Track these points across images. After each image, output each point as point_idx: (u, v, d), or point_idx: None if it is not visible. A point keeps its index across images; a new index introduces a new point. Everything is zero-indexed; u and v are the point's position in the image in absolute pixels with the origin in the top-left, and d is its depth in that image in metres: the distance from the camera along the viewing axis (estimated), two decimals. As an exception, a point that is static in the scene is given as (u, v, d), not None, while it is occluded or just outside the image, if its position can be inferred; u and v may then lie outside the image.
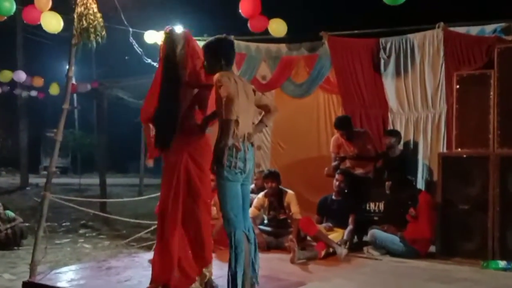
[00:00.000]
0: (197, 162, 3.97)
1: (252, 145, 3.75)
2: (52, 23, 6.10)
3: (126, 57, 6.91)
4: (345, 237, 5.79)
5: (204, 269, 3.97)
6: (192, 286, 3.87)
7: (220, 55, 3.77)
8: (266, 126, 4.08)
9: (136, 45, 7.22)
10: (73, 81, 13.60)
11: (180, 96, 3.95)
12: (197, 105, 4.06)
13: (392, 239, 5.58)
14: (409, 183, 6.08)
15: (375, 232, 5.67)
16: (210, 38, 3.96)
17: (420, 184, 6.45)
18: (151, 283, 3.90)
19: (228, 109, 3.44)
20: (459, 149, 5.67)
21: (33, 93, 15.09)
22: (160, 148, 4.00)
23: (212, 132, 4.18)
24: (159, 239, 3.94)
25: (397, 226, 5.68)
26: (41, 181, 17.79)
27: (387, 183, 6.02)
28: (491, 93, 5.52)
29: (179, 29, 4.27)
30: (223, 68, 3.73)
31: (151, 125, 4.17)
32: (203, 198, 3.97)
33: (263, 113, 3.99)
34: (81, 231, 9.67)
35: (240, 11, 6.67)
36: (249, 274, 3.67)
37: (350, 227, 5.91)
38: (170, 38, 4.04)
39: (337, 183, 6.12)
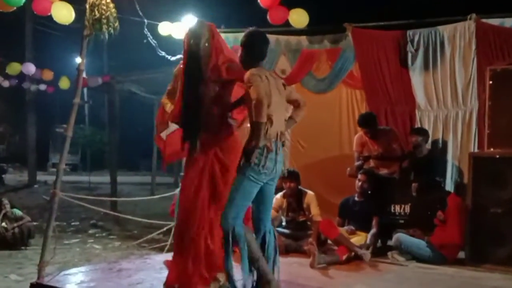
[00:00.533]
0: (223, 163, 4.01)
1: (283, 144, 3.78)
2: (63, 13, 6.15)
3: (144, 41, 6.91)
4: (368, 241, 5.77)
5: (218, 274, 3.98)
6: None
7: (251, 50, 3.82)
8: (296, 122, 4.06)
9: (151, 37, 7.26)
10: (84, 75, 13.78)
11: (204, 92, 3.97)
12: (221, 101, 4.07)
13: (418, 243, 5.54)
14: (437, 185, 6.03)
15: (400, 236, 5.63)
16: (244, 32, 3.98)
17: (449, 186, 6.40)
18: (166, 284, 3.93)
19: (258, 112, 3.49)
20: (492, 149, 5.60)
21: (42, 86, 15.28)
22: (188, 146, 4.05)
23: (235, 124, 4.23)
24: (180, 240, 3.97)
25: (424, 230, 5.63)
26: (50, 178, 18.03)
27: (413, 184, 5.98)
28: (527, 89, 5.44)
29: (202, 21, 4.25)
30: (254, 64, 3.75)
31: (163, 132, 4.22)
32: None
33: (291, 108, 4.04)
34: (91, 231, 9.79)
35: (259, 1, 6.67)
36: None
37: (373, 230, 5.88)
38: (194, 30, 4.06)
39: (360, 183, 6.09)
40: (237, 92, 4.13)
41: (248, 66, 3.76)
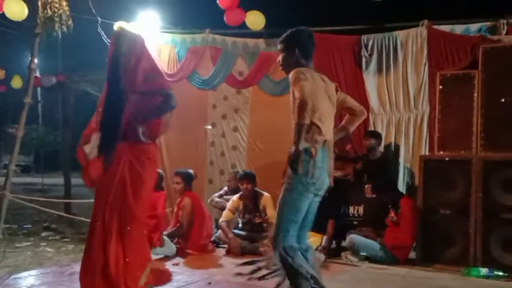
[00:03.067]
0: (136, 172, 3.78)
1: (331, 155, 3.51)
2: (16, 10, 5.99)
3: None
4: (323, 243, 5.82)
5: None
6: None
7: (304, 49, 3.53)
8: (349, 132, 3.77)
9: (105, 36, 7.15)
10: (37, 74, 13.45)
11: (124, 101, 3.78)
12: (137, 113, 3.84)
13: (371, 244, 5.63)
14: (392, 186, 6.14)
15: (353, 237, 5.71)
16: (287, 32, 3.68)
17: (401, 188, 6.52)
18: None
19: (300, 113, 3.18)
20: (441, 152, 5.74)
21: (-6, 86, 14.83)
22: (102, 157, 3.82)
23: (146, 140, 3.90)
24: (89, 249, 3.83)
25: (377, 231, 5.73)
26: (1, 180, 17.50)
27: (366, 186, 6.08)
28: (475, 94, 5.60)
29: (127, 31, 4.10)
30: (299, 63, 3.50)
31: (86, 148, 3.99)
32: (136, 215, 3.78)
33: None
34: (43, 234, 9.50)
35: (217, 2, 6.66)
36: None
37: (328, 232, 5.93)
38: (119, 38, 3.87)
39: None
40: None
41: (295, 66, 3.47)
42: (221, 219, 6.28)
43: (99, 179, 3.87)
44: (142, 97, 3.82)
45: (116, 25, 7.69)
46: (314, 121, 3.33)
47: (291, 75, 3.38)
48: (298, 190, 3.35)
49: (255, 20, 7.03)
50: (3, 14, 6.10)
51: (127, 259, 3.69)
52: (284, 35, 3.65)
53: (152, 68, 3.95)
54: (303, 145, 3.21)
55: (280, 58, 3.63)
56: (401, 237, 5.57)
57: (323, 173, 3.43)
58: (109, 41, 3.96)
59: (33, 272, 4.87)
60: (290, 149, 3.25)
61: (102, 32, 7.27)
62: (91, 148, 3.86)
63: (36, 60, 5.06)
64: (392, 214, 5.72)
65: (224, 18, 7.13)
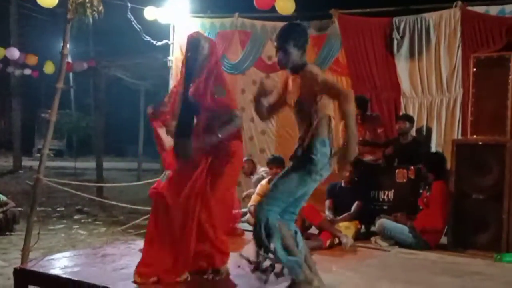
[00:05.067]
0: (216, 167, 3.86)
1: None
2: (47, -3, 6.10)
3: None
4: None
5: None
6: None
7: (295, 44, 3.46)
8: None
9: (135, 22, 7.21)
10: (69, 59, 13.66)
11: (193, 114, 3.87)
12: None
13: (401, 229, 5.59)
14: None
15: (383, 222, 5.68)
16: (282, 26, 3.64)
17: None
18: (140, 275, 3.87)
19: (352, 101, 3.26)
20: (475, 136, 5.64)
21: (27, 71, 15.09)
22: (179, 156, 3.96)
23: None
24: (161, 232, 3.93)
25: (408, 216, 5.69)
26: (35, 164, 17.86)
27: (398, 170, 6.03)
28: (510, 77, 5.47)
29: (203, 36, 4.07)
30: (301, 59, 3.49)
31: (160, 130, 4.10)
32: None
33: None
34: (76, 217, 9.75)
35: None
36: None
37: (354, 212, 5.95)
38: (194, 43, 3.86)
39: (347, 172, 6.08)
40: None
41: (299, 62, 3.49)
42: (250, 203, 6.32)
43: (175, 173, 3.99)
44: (209, 115, 3.87)
45: (146, 11, 7.75)
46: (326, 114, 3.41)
47: (316, 70, 3.40)
48: (304, 176, 3.39)
49: (285, 5, 6.99)
50: (35, 0, 6.22)
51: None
52: (280, 33, 3.56)
53: (222, 79, 3.97)
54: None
55: (280, 55, 3.52)
56: (431, 220, 5.52)
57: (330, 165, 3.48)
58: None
59: (66, 253, 4.98)
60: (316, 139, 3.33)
61: (132, 17, 7.32)
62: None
63: (68, 46, 5.12)
64: (424, 193, 5.70)
65: (254, 2, 7.11)
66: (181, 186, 3.87)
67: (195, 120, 3.93)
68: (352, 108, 3.28)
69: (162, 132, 4.33)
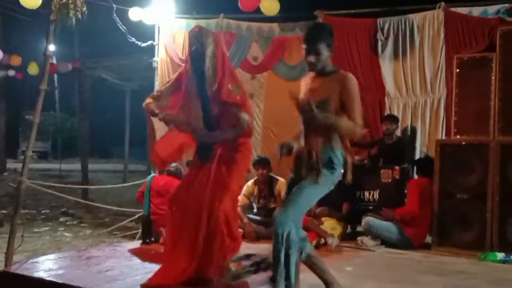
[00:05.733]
0: (227, 160, 3.90)
1: None
2: (30, -2, 6.05)
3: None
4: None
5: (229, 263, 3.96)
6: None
7: (330, 46, 3.46)
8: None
9: (120, 23, 7.18)
10: (53, 60, 13.55)
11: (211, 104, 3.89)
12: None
13: (387, 226, 5.62)
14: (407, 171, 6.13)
15: (369, 220, 5.70)
16: (309, 27, 3.60)
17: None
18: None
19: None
20: (458, 136, 5.70)
21: (11, 72, 14.96)
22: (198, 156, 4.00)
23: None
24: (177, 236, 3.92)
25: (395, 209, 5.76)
26: (20, 166, 17.62)
27: (383, 170, 6.06)
28: (493, 77, 5.53)
29: (206, 29, 4.04)
30: (328, 59, 3.46)
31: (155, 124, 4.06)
32: (230, 187, 3.88)
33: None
34: (61, 219, 9.69)
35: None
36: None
37: (343, 213, 5.97)
38: (197, 37, 3.86)
39: None
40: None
41: (330, 65, 3.48)
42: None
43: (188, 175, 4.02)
44: (223, 110, 3.88)
45: (131, 11, 7.71)
46: None
47: (353, 81, 3.37)
48: (324, 187, 3.39)
49: (270, 6, 6.99)
50: (18, 1, 6.16)
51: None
52: (310, 33, 3.48)
53: (237, 80, 3.99)
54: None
55: (310, 57, 3.43)
56: (408, 208, 5.60)
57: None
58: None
59: (51, 256, 4.95)
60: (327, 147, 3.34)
61: (117, 18, 7.29)
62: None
63: (52, 47, 5.09)
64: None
65: (239, 4, 7.11)
66: (193, 180, 3.90)
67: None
68: (352, 131, 3.37)
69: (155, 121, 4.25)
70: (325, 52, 3.41)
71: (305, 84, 3.64)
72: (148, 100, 4.00)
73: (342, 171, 3.43)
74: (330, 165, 3.36)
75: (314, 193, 3.41)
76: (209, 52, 3.80)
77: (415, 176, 6.25)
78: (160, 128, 4.14)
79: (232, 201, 3.90)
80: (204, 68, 3.80)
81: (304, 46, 3.45)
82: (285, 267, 3.27)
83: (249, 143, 4.09)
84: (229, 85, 3.83)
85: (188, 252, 3.77)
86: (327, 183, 3.40)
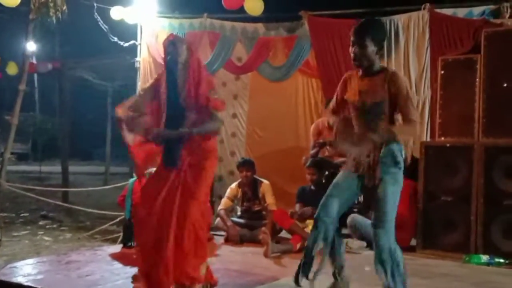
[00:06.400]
0: (194, 167, 3.86)
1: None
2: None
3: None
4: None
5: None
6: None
7: (382, 42, 3.49)
8: None
9: (101, 22, 7.14)
10: (33, 60, 13.44)
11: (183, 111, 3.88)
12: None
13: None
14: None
15: (354, 217, 5.69)
16: (360, 21, 3.53)
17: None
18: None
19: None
20: (443, 138, 5.75)
21: (-11, 72, 14.82)
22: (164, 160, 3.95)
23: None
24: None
25: None
26: (-2, 168, 17.51)
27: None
28: (477, 79, 5.59)
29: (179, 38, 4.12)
30: (377, 56, 3.46)
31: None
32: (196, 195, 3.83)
33: None
34: (41, 223, 9.59)
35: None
36: None
37: None
38: (171, 46, 3.88)
39: (309, 177, 6.09)
40: None
41: (376, 61, 3.45)
42: (219, 207, 6.31)
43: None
44: (200, 117, 3.87)
45: (113, 10, 7.68)
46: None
47: (402, 78, 3.42)
48: (400, 186, 3.42)
49: (254, 5, 7.02)
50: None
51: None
52: (364, 26, 3.46)
53: (212, 84, 4.01)
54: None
55: (357, 50, 3.41)
56: (401, 217, 5.59)
57: None
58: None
59: (30, 261, 4.91)
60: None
61: (99, 17, 7.25)
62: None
63: (32, 46, 5.06)
64: None
65: (223, 3, 7.11)
66: (158, 189, 3.84)
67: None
68: (411, 133, 3.41)
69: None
70: (371, 47, 3.38)
71: (350, 81, 3.60)
72: (120, 110, 4.00)
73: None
74: (394, 161, 3.36)
75: (398, 193, 3.42)
76: (182, 60, 3.84)
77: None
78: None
79: (200, 209, 3.88)
80: (177, 76, 3.84)
81: (351, 38, 3.47)
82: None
83: (217, 150, 4.10)
84: (207, 91, 3.86)
85: (159, 259, 3.77)
86: (399, 181, 3.41)
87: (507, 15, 6.15)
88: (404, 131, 3.40)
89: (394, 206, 3.42)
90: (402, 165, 3.41)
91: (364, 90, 3.47)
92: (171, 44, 3.89)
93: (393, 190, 3.39)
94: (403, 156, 3.44)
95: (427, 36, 6.52)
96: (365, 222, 5.67)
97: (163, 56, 3.99)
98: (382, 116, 3.40)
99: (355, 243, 5.67)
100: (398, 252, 3.44)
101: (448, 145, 5.65)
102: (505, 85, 5.49)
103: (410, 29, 6.66)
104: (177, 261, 3.72)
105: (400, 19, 6.76)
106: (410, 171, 5.85)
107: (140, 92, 4.16)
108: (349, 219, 5.74)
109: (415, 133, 3.42)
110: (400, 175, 3.42)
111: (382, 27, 3.53)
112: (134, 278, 3.98)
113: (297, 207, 6.10)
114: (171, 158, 3.87)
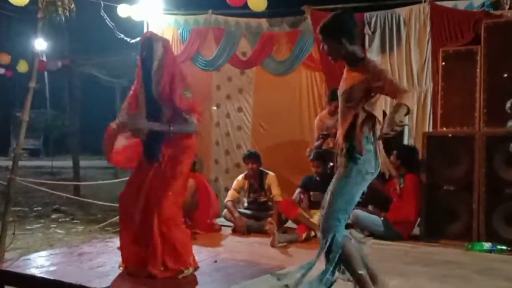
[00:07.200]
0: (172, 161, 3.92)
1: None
2: (18, -5, 5.99)
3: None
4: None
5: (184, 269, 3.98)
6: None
7: (341, 36, 3.29)
8: None
9: (108, 20, 7.15)
10: (43, 58, 13.46)
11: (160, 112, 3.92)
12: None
13: (374, 220, 5.65)
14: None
15: (357, 212, 5.72)
16: (327, 18, 3.40)
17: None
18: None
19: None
20: (444, 128, 5.73)
21: (1, 70, 14.88)
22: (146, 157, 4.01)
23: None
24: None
25: (381, 208, 5.76)
26: (11, 164, 17.56)
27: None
28: (478, 70, 5.56)
29: (155, 35, 4.10)
30: (348, 50, 3.31)
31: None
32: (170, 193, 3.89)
33: None
34: (53, 216, 9.65)
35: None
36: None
37: None
38: (147, 42, 3.91)
39: (314, 169, 6.07)
40: None
41: (347, 55, 3.35)
42: (226, 199, 6.33)
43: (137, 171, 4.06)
44: (175, 114, 3.90)
45: (119, 8, 7.69)
46: (373, 113, 3.29)
47: (366, 64, 3.27)
48: (356, 179, 3.26)
49: (257, 1, 6.99)
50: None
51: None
52: (324, 23, 3.36)
53: (187, 83, 3.98)
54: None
55: (325, 47, 3.39)
56: (404, 212, 5.59)
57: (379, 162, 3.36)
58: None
59: (43, 253, 4.93)
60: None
61: (105, 15, 7.25)
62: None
63: (42, 45, 5.07)
64: (396, 185, 5.77)
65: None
66: (139, 183, 3.93)
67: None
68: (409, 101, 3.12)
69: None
70: (334, 43, 3.32)
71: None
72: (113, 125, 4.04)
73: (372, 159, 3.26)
74: (353, 152, 3.24)
75: (346, 188, 3.28)
76: (158, 56, 3.85)
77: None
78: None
79: (175, 201, 3.91)
80: (152, 73, 3.85)
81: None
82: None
83: (195, 146, 4.13)
84: (181, 89, 3.87)
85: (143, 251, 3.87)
86: (355, 174, 3.25)
87: (507, 7, 6.11)
88: (405, 100, 3.09)
89: (336, 200, 3.30)
90: (363, 158, 3.23)
91: (341, 84, 3.45)
92: (147, 40, 3.93)
93: (338, 184, 3.31)
94: (370, 146, 3.26)
95: (428, 28, 6.49)
96: (367, 216, 5.69)
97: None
98: (349, 104, 3.29)
99: (357, 233, 5.65)
100: (335, 241, 3.27)
101: (449, 135, 5.63)
102: (505, 75, 5.46)
103: (412, 22, 6.63)
104: (167, 249, 3.84)
105: (401, 12, 6.73)
106: (410, 163, 5.84)
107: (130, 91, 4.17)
108: (352, 215, 5.73)
109: (409, 100, 3.14)
110: (354, 168, 3.26)
111: (341, 20, 3.34)
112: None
113: (297, 191, 6.03)
114: (151, 151, 3.94)
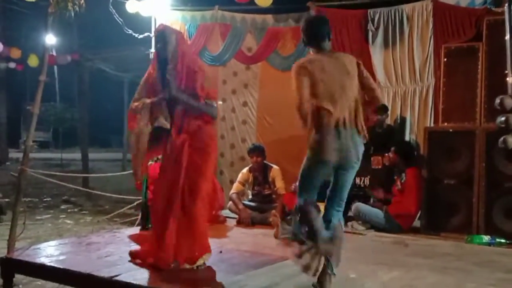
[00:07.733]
0: (196, 147, 3.92)
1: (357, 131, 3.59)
2: (29, -9, 6.03)
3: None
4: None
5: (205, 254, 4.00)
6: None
7: (304, 35, 3.77)
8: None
9: (116, 15, 7.16)
10: (53, 53, 13.50)
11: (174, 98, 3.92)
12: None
13: (376, 212, 5.68)
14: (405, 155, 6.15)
15: (359, 205, 5.75)
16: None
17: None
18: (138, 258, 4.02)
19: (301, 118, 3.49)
20: (446, 124, 5.73)
21: (12, 64, 14.90)
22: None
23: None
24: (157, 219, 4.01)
25: (385, 192, 5.79)
26: (22, 156, 17.60)
27: (373, 157, 6.09)
28: (479, 66, 5.56)
29: (169, 28, 4.11)
30: (311, 49, 3.78)
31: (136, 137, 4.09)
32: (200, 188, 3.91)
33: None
34: (63, 207, 9.71)
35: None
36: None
37: None
38: (161, 35, 3.94)
39: None
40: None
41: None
42: (231, 191, 6.36)
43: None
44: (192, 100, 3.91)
45: (128, 4, 7.69)
46: (322, 105, 3.40)
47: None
48: (310, 162, 3.56)
49: (264, -4, 6.98)
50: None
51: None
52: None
53: (204, 72, 4.01)
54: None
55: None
56: (405, 205, 5.61)
57: (343, 150, 3.48)
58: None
59: (52, 243, 4.97)
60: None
61: (114, 11, 7.26)
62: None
63: (52, 39, 5.09)
64: (398, 182, 5.78)
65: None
66: (167, 171, 3.94)
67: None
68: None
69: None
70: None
71: None
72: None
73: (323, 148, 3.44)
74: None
75: (304, 167, 3.60)
76: (172, 48, 3.87)
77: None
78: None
79: (208, 186, 3.97)
80: (168, 64, 3.87)
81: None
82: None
83: (217, 138, 4.20)
84: (202, 79, 3.89)
85: (166, 239, 3.83)
86: (310, 158, 3.57)
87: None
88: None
89: (300, 175, 3.65)
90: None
91: None
92: (161, 33, 3.95)
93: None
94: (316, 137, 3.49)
95: (430, 25, 6.47)
96: (369, 209, 5.71)
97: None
98: None
99: (359, 226, 5.70)
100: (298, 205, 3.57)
101: (451, 130, 5.64)
102: (506, 71, 5.44)
103: (415, 19, 6.61)
104: (192, 235, 3.86)
105: (405, 9, 6.71)
106: (408, 157, 5.84)
107: (141, 84, 4.17)
108: (353, 208, 5.78)
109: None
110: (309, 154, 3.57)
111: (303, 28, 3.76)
112: (132, 255, 4.08)
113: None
114: (173, 122, 3.95)
